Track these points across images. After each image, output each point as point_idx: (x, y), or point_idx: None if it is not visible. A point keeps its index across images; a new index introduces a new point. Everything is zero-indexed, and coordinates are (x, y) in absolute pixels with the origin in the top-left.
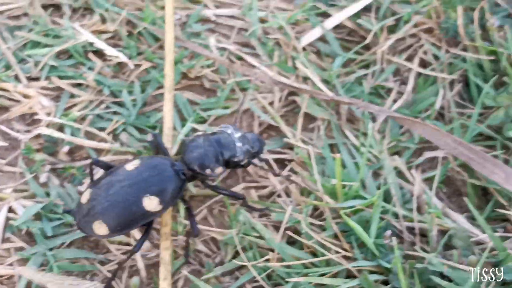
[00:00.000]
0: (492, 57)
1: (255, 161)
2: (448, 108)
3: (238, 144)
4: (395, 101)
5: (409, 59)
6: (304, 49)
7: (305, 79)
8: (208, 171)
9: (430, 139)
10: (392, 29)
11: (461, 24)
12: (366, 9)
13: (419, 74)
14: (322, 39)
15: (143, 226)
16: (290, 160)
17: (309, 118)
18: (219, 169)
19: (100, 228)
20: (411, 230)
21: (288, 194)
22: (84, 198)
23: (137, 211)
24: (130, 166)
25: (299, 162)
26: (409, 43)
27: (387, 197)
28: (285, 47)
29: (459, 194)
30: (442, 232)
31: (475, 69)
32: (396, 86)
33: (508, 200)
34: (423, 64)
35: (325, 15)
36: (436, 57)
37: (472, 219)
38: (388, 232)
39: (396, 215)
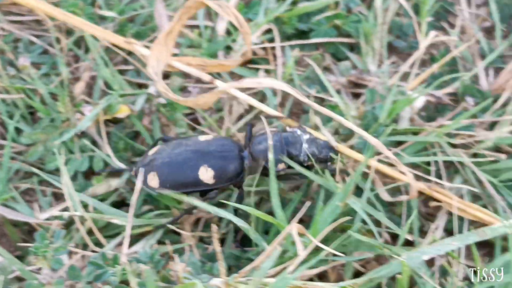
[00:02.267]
0: (23, 95)
1: (322, 165)
2: None
3: (305, 145)
4: None
5: None
6: None
7: None
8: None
9: None
10: None
11: None
12: None
13: None
14: None
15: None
16: None
17: None
18: (281, 165)
19: (152, 180)
20: None
21: None
22: (152, 151)
23: (190, 175)
24: (202, 137)
25: None
26: None
27: None
28: None
29: None
30: None
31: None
32: None
33: None
34: None
35: None
36: None
37: None
38: None
39: None
